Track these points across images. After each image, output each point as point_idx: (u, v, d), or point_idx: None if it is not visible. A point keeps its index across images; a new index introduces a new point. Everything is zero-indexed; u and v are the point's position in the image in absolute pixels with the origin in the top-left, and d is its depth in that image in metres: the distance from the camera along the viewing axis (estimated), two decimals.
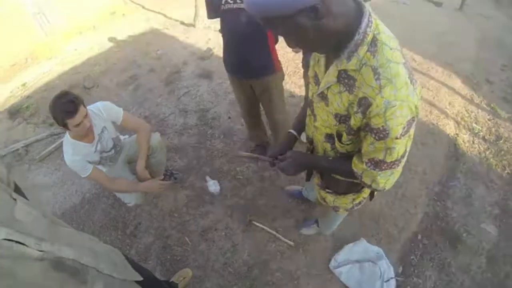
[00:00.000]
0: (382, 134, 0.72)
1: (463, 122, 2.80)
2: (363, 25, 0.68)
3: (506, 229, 2.07)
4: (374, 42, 0.69)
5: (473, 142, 2.65)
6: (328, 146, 0.99)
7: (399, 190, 2.24)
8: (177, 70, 3.56)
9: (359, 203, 1.22)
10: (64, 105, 1.42)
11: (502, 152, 2.54)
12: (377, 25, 0.70)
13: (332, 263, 1.86)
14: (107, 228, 2.23)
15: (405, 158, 0.81)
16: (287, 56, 3.49)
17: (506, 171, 2.41)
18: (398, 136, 0.71)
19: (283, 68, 3.06)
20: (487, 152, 2.55)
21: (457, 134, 2.68)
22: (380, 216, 2.10)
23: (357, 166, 0.86)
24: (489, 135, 2.69)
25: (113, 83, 3.50)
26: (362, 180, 0.88)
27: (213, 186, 2.28)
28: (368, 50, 0.69)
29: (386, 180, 0.85)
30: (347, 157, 0.93)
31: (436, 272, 1.88)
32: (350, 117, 0.79)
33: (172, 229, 2.15)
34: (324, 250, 1.95)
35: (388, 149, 0.75)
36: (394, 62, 0.68)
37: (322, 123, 0.94)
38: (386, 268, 1.82)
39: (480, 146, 2.61)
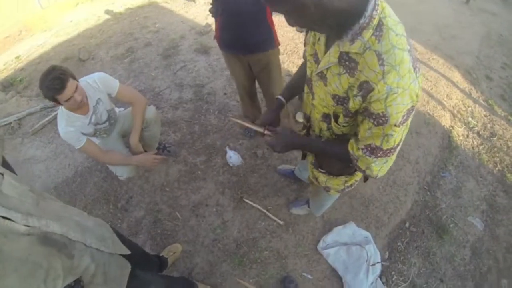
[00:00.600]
0: (381, 120, 0.71)
1: (459, 115, 2.81)
2: (370, 7, 0.65)
3: (491, 224, 2.13)
4: (380, 26, 0.67)
5: (467, 136, 2.67)
6: (324, 125, 0.98)
7: (391, 176, 2.27)
8: (174, 44, 3.49)
9: (351, 185, 1.22)
10: (51, 82, 1.40)
11: (495, 149, 2.57)
12: (383, 8, 0.68)
13: (321, 244, 1.89)
14: (99, 201, 2.22)
15: (400, 147, 0.81)
16: (287, 35, 3.45)
17: (497, 168, 2.45)
18: (397, 124, 0.71)
19: (282, 48, 3.03)
20: (480, 148, 2.58)
21: (452, 127, 2.70)
22: (371, 201, 2.13)
23: (354, 149, 0.86)
24: (484, 131, 2.71)
25: (108, 56, 3.43)
26: (357, 164, 0.87)
27: (233, 157, 2.26)
28: (373, 34, 0.67)
29: (380, 167, 0.85)
30: (341, 140, 0.92)
31: (421, 260, 1.93)
32: (348, 100, 0.78)
33: (163, 204, 2.15)
34: (313, 231, 1.98)
35: (386, 136, 0.75)
36: (399, 49, 0.67)
37: (319, 101, 0.93)
38: (373, 252, 1.85)
39: (474, 140, 2.64)
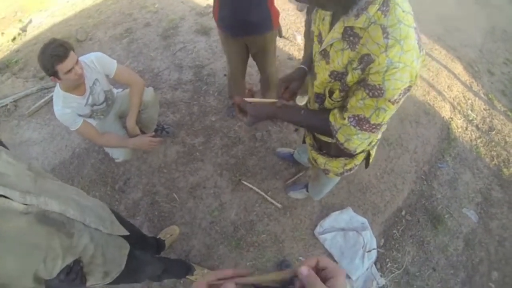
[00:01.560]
0: (376, 92, 0.70)
1: (459, 107, 2.81)
2: None
3: (485, 217, 2.15)
4: (386, 1, 0.66)
5: (466, 129, 2.67)
6: (316, 106, 0.97)
7: (389, 164, 2.28)
8: (174, 25, 3.42)
9: (350, 169, 1.21)
10: (54, 49, 1.37)
11: (493, 143, 2.59)
12: None
13: (318, 229, 1.91)
14: (96, 183, 2.21)
15: (385, 127, 0.79)
16: (289, 18, 3.40)
17: (493, 162, 2.47)
18: (392, 100, 0.71)
19: (284, 31, 2.97)
20: (478, 141, 2.59)
21: (451, 118, 2.70)
22: (368, 188, 2.14)
23: (337, 119, 0.84)
24: (483, 124, 2.72)
25: (107, 36, 3.35)
26: (336, 136, 0.86)
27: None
28: (379, 9, 0.67)
29: (361, 142, 0.84)
30: (323, 111, 0.91)
31: (415, 248, 1.96)
32: (347, 74, 0.77)
33: (160, 185, 2.15)
34: (311, 215, 2.00)
35: (377, 109, 0.74)
36: (405, 24, 0.66)
37: (320, 82, 0.91)
38: (369, 239, 1.88)
39: (473, 133, 2.65)
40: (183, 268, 1.66)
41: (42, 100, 2.76)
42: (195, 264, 1.76)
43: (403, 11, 0.67)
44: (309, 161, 1.34)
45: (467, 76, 3.12)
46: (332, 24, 0.81)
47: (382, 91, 0.69)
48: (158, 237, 1.85)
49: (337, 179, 1.41)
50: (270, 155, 2.28)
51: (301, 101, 2.56)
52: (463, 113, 2.78)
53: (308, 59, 1.16)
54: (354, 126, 0.80)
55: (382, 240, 1.97)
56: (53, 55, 1.37)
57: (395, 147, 2.39)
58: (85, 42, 3.30)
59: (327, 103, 0.90)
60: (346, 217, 1.95)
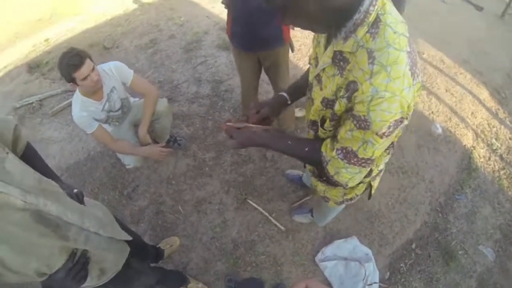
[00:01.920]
0: (363, 124, 0.65)
1: (482, 136, 2.65)
2: (366, 2, 0.61)
3: (503, 256, 1.99)
4: (376, 23, 0.61)
5: (489, 159, 2.51)
6: (311, 134, 0.93)
7: (402, 193, 2.18)
8: (197, 38, 3.51)
9: (351, 199, 1.16)
10: (70, 59, 1.46)
11: None
12: (383, 4, 0.63)
13: (319, 256, 1.85)
14: (106, 187, 2.28)
15: (381, 161, 0.73)
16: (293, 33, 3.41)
17: None
18: (380, 133, 0.65)
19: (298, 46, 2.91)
20: (501, 172, 2.42)
21: (473, 147, 2.55)
22: (377, 217, 2.05)
23: (328, 151, 0.79)
24: (507, 155, 2.55)
25: (132, 45, 3.50)
26: (327, 167, 0.81)
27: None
28: (368, 32, 0.62)
29: (351, 176, 0.78)
30: (314, 140, 0.87)
31: (422, 285, 1.84)
32: (336, 102, 0.73)
33: (167, 196, 2.18)
34: (313, 240, 1.94)
35: (365, 143, 0.69)
36: (395, 48, 0.60)
37: (314, 109, 0.87)
38: (372, 271, 1.79)
39: (496, 164, 2.48)
40: (178, 280, 1.66)
41: (66, 102, 2.91)
42: (190, 277, 1.76)
43: (395, 33, 0.61)
44: (311, 186, 1.30)
45: (493, 102, 2.95)
46: (326, 48, 0.78)
47: (368, 123, 0.64)
48: (158, 246, 1.86)
49: (341, 207, 1.36)
50: (279, 176, 2.25)
51: (299, 113, 2.53)
52: (487, 142, 2.62)
53: (293, 85, 1.13)
54: (342, 159, 0.75)
55: (388, 273, 1.86)
56: (70, 64, 1.46)
57: (410, 175, 2.28)
58: (112, 50, 3.47)
59: (320, 132, 0.86)
60: (350, 246, 1.87)
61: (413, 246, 1.98)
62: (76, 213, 0.84)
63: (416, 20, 3.42)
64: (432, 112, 2.74)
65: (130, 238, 1.11)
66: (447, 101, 2.85)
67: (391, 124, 0.63)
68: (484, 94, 2.99)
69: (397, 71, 0.60)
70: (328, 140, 0.81)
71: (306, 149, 0.87)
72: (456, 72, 3.17)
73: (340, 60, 0.69)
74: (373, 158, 0.73)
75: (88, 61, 1.50)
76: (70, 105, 2.90)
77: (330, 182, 1.11)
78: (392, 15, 0.63)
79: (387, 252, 1.93)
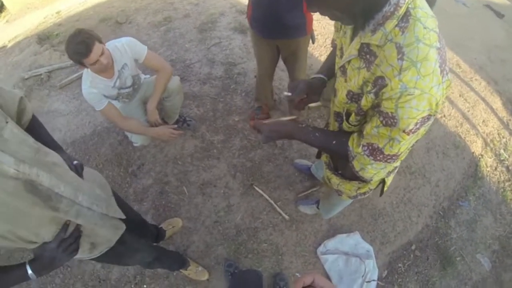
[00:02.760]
0: (390, 121, 0.64)
1: (491, 145, 2.64)
2: None
3: (499, 267, 2.00)
4: (406, 17, 0.60)
5: (496, 169, 2.50)
6: (336, 126, 0.92)
7: (407, 194, 2.17)
8: (213, 19, 3.43)
9: (364, 193, 1.16)
10: (76, 47, 1.41)
11: None
12: None
13: (321, 249, 1.85)
14: (111, 163, 2.27)
15: (404, 155, 0.73)
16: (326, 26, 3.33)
17: None
18: (407, 130, 0.63)
19: (321, 40, 2.87)
20: (506, 184, 2.42)
21: (481, 155, 2.54)
22: (381, 214, 2.05)
23: (354, 146, 0.78)
24: None
25: (145, 22, 3.43)
26: (352, 162, 0.80)
27: None
28: (397, 25, 0.60)
29: (377, 172, 0.78)
30: (343, 133, 0.85)
31: (418, 287, 1.85)
32: (362, 96, 0.72)
33: (172, 176, 2.16)
34: (317, 233, 1.94)
35: (391, 140, 0.67)
36: (424, 44, 0.58)
37: (340, 99, 0.85)
38: (372, 268, 1.80)
39: (502, 175, 2.47)
40: (177, 261, 1.65)
41: (75, 75, 2.87)
42: (191, 260, 1.76)
43: (425, 28, 0.59)
44: (323, 179, 1.29)
45: (505, 113, 2.92)
46: (352, 38, 0.76)
47: (395, 120, 0.62)
48: (160, 226, 1.86)
49: (349, 201, 1.36)
50: (287, 164, 2.23)
51: (313, 103, 2.50)
52: (495, 152, 2.61)
53: (326, 66, 1.11)
54: (368, 156, 0.74)
55: (385, 272, 1.88)
56: (76, 52, 1.42)
57: (416, 176, 2.28)
58: (124, 25, 3.40)
59: (345, 126, 0.85)
60: (352, 241, 1.87)
61: (413, 247, 1.98)
62: (69, 186, 0.84)
63: None
64: (444, 116, 2.72)
65: (123, 216, 1.09)
66: (460, 106, 2.82)
67: (418, 121, 0.62)
68: (497, 103, 2.96)
69: (427, 67, 0.58)
70: (355, 135, 0.79)
71: (334, 142, 0.86)
72: (471, 78, 3.13)
73: (366, 53, 0.68)
74: (399, 154, 0.72)
75: (96, 45, 1.44)
76: (79, 78, 2.87)
77: (345, 176, 1.10)
78: (422, 10, 0.61)
79: (387, 250, 1.94)
